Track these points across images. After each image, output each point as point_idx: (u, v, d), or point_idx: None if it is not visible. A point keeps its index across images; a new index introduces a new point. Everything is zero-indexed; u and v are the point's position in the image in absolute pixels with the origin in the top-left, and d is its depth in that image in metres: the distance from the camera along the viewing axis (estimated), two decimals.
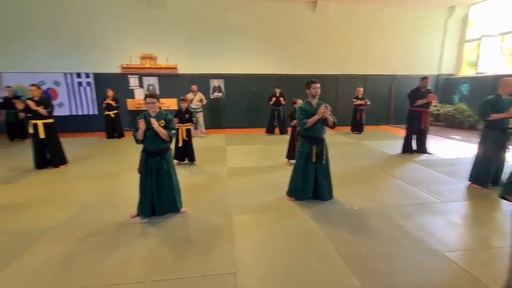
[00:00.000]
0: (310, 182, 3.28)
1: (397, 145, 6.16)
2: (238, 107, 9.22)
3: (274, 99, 7.77)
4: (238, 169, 4.74)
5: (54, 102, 8.13)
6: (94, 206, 3.33)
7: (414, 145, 5.74)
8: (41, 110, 4.53)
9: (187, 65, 8.76)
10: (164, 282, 1.99)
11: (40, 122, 4.61)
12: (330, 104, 3.30)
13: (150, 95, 2.81)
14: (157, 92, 8.76)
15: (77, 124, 8.57)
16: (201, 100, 7.52)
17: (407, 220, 2.92)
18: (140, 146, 2.95)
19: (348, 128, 8.36)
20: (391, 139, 7.34)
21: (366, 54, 9.68)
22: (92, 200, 3.48)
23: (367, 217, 3.00)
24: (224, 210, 3.15)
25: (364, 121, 8.24)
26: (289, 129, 5.76)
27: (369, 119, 8.85)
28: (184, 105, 5.00)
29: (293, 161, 3.98)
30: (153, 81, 8.80)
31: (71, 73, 8.38)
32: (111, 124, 7.56)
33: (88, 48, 8.29)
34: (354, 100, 8.17)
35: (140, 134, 2.76)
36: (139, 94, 8.76)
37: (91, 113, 8.69)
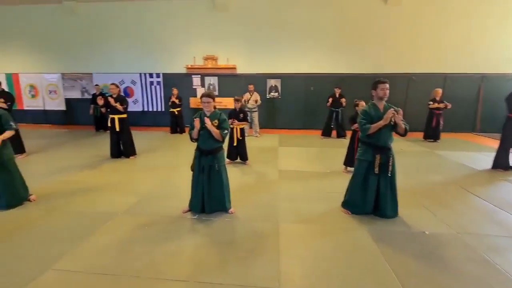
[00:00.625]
0: (371, 195, 2.90)
1: (486, 159, 5.11)
2: (294, 108, 8.97)
3: (330, 100, 7.28)
4: (289, 173, 4.55)
5: (130, 99, 9.28)
6: (153, 196, 3.58)
7: (511, 160, 4.66)
8: (118, 106, 5.12)
9: (245, 65, 8.91)
10: (206, 285, 1.96)
11: (116, 117, 5.23)
12: (399, 107, 2.86)
13: (206, 94, 2.85)
14: (216, 91, 9.17)
15: (148, 119, 9.56)
16: (256, 101, 7.53)
17: (498, 256, 2.32)
18: (195, 144, 3.03)
19: (420, 135, 7.32)
20: (477, 151, 6.14)
21: (445, 49, 8.32)
22: (152, 190, 3.76)
23: (442, 245, 2.48)
24: (272, 215, 3.02)
25: (442, 128, 7.10)
26: (349, 133, 5.30)
27: (448, 125, 7.60)
28: (237, 105, 5.03)
29: (351, 169, 3.61)
30: (213, 80, 9.22)
31: (145, 73, 9.38)
32: (175, 120, 8.19)
33: (160, 51, 9.13)
34: (430, 103, 7.10)
35: (195, 133, 2.83)
36: (201, 93, 9.28)
37: (159, 109, 9.58)
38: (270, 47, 8.77)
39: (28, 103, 9.93)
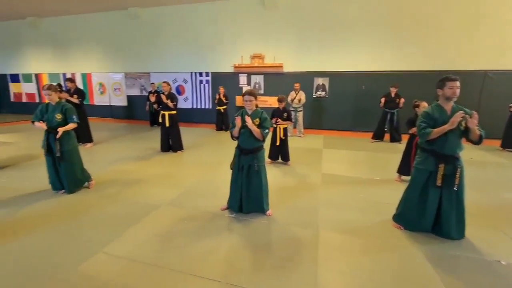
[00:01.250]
0: (430, 211, 2.50)
1: None
2: (342, 108, 8.45)
3: (383, 100, 6.63)
4: (334, 177, 4.26)
5: (181, 97, 9.84)
6: (195, 190, 3.68)
7: None
8: (169, 103, 5.43)
9: (292, 63, 8.70)
10: None
11: (167, 113, 5.56)
12: (471, 109, 2.40)
13: (248, 92, 2.79)
14: (262, 90, 9.16)
15: (196, 116, 10.03)
16: (299, 100, 7.28)
17: None
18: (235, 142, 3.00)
19: (497, 143, 6.22)
20: None
21: None
22: (194, 185, 3.87)
23: None
24: (312, 222, 2.83)
25: None
26: (405, 137, 4.76)
27: None
28: (281, 105, 4.88)
29: (407, 178, 3.20)
30: (259, 79, 9.22)
31: (195, 72, 9.84)
32: (220, 118, 8.43)
33: (210, 51, 9.48)
34: None
35: (236, 131, 2.80)
36: None
37: (207, 107, 9.98)
38: (319, 45, 8.40)
39: (97, 99, 11.28)
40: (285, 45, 8.69)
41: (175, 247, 2.38)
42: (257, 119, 2.80)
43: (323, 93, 8.54)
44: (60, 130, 3.25)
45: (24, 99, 12.48)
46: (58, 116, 3.27)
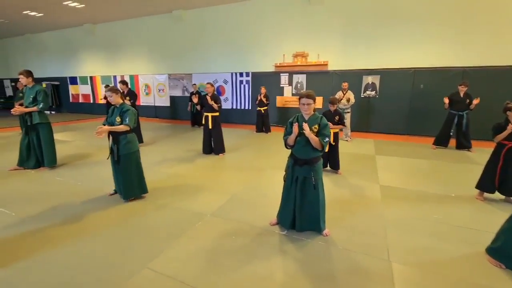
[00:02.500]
0: None
1: None
2: (394, 108, 7.63)
3: (447, 100, 5.70)
4: (395, 190, 3.71)
5: (222, 98, 9.79)
6: (241, 199, 3.44)
7: None
8: (214, 104, 5.30)
9: (338, 60, 8.10)
10: None
11: (210, 115, 5.45)
12: None
13: (305, 94, 2.44)
14: (304, 90, 8.70)
15: (236, 117, 9.94)
16: (348, 100, 6.68)
17: None
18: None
19: None
20: None
21: None
22: (239, 192, 3.64)
23: None
24: (378, 248, 2.39)
25: None
26: (478, 144, 3.99)
27: None
28: (333, 108, 4.41)
29: (491, 196, 2.58)
30: (301, 78, 8.77)
31: (235, 73, 9.74)
32: (261, 119, 8.17)
33: (251, 50, 9.28)
34: None
35: (291, 139, 2.46)
36: (288, 91, 9.01)
37: (246, 108, 9.82)
38: (369, 40, 7.68)
39: (143, 100, 11.83)
40: (331, 41, 8.11)
41: (222, 268, 2.14)
42: (316, 126, 2.44)
43: (373, 92, 7.79)
44: (105, 128, 3.11)
45: (80, 100, 13.63)
46: (118, 119, 3.21)
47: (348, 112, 6.83)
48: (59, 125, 9.70)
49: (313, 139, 2.36)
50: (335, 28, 8.03)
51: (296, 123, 2.41)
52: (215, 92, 5.63)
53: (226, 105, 9.88)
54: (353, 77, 7.76)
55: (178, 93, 10.95)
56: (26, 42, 14.33)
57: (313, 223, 2.59)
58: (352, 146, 6.34)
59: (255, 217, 2.95)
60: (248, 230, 2.70)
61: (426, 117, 7.22)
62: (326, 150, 4.16)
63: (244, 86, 9.72)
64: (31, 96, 4.46)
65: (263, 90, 7.98)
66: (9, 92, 15.39)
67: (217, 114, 5.50)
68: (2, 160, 5.12)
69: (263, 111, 8.06)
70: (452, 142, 6.01)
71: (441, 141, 6.00)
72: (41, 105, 4.44)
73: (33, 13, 10.07)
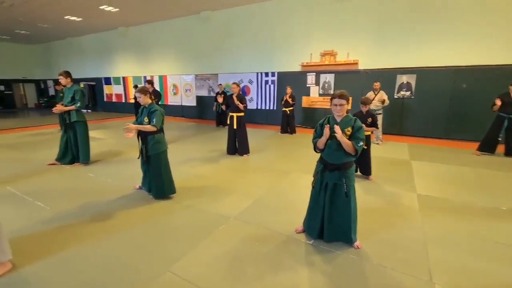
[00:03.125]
0: None
1: None
2: (432, 110, 7.06)
3: (499, 101, 5.12)
4: (435, 201, 3.37)
5: (247, 98, 9.75)
6: (265, 203, 3.33)
7: None
8: (240, 105, 5.24)
9: (369, 59, 7.68)
10: None
11: (235, 115, 5.40)
12: None
13: (338, 95, 2.26)
14: (331, 90, 8.38)
15: (260, 117, 9.85)
16: (383, 101, 6.28)
17: None
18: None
19: None
20: None
21: None
22: (264, 196, 3.52)
23: None
24: (419, 267, 2.14)
25: None
26: None
27: None
28: (365, 109, 4.12)
29: None
30: (329, 78, 8.46)
31: (261, 73, 9.65)
32: (286, 119, 8.00)
33: (277, 50, 9.13)
34: None
35: (321, 143, 2.30)
36: (314, 91, 8.73)
37: (271, 108, 9.69)
38: (404, 37, 7.18)
39: (171, 99, 12.17)
40: (362, 39, 7.72)
41: (245, 277, 2.03)
42: (349, 128, 2.25)
43: (408, 92, 7.28)
44: (133, 126, 3.13)
45: (113, 99, 14.37)
46: (146, 119, 3.27)
47: (380, 114, 6.43)
48: (94, 123, 10.26)
49: (346, 143, 2.18)
50: (366, 25, 7.62)
51: (327, 125, 2.23)
52: (241, 92, 5.57)
53: (251, 105, 9.82)
54: (386, 77, 7.31)
55: (204, 93, 11.10)
56: (67, 45, 15.42)
57: (343, 234, 2.40)
58: (384, 150, 5.95)
59: (280, 223, 2.81)
60: (272, 237, 2.58)
61: (468, 120, 6.59)
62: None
63: (270, 86, 9.60)
64: (70, 96, 4.71)
65: (288, 90, 7.79)
66: (51, 91, 16.64)
67: (242, 114, 5.44)
68: (43, 154, 5.48)
69: (288, 112, 7.88)
70: (500, 148, 5.41)
71: (487, 147, 5.41)
72: (78, 104, 4.68)
73: (73, 18, 10.77)
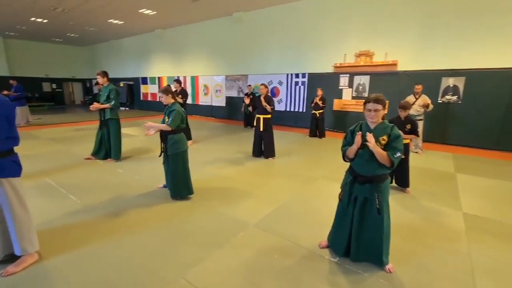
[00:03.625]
0: None
1: None
2: (484, 117, 6.28)
3: None
4: (485, 222, 2.93)
5: (276, 99, 9.60)
6: (288, 211, 3.15)
7: None
8: (268, 106, 5.12)
9: (410, 60, 7.08)
10: None
11: (262, 117, 5.27)
12: None
13: (374, 98, 2.02)
14: (366, 92, 7.89)
15: (288, 119, 9.62)
16: (426, 106, 5.72)
17: None
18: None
19: None
20: None
21: None
22: (287, 203, 3.35)
23: None
24: None
25: None
26: None
27: None
28: (404, 114, 3.73)
29: None
30: (364, 80, 7.97)
31: (291, 74, 9.42)
32: (315, 122, 7.69)
33: (309, 50, 8.84)
34: None
35: (352, 151, 2.07)
36: (347, 94, 8.30)
37: (300, 110, 9.41)
38: (451, 35, 6.49)
39: (202, 100, 12.43)
40: (403, 38, 7.14)
41: None
42: (384, 137, 1.99)
43: (454, 97, 6.57)
44: (150, 124, 3.16)
45: (149, 98, 15.08)
46: (166, 119, 3.31)
47: (421, 120, 5.88)
48: (129, 120, 10.83)
49: (380, 153, 1.93)
50: (408, 23, 7.03)
51: (359, 132, 2.00)
52: (269, 94, 5.43)
53: (279, 107, 9.64)
54: (429, 79, 6.67)
55: (233, 93, 11.15)
56: (109, 47, 16.54)
57: (373, 254, 2.14)
58: (424, 160, 5.41)
59: (303, 235, 2.62)
60: (293, 249, 2.39)
61: None
62: None
63: (300, 87, 9.33)
64: (105, 94, 4.95)
65: (319, 92, 7.48)
66: (95, 90, 17.98)
67: (269, 116, 5.30)
68: (82, 148, 5.84)
69: (318, 115, 7.57)
70: None
71: None
72: (112, 102, 4.90)
73: (116, 21, 11.48)
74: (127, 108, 15.62)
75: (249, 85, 9.48)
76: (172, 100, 3.37)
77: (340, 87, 8.39)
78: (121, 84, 15.79)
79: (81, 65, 18.60)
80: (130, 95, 15.91)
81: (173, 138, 3.27)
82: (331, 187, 3.89)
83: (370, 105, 2.01)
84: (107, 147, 5.08)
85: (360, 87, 8.03)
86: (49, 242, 2.42)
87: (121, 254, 2.30)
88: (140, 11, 9.92)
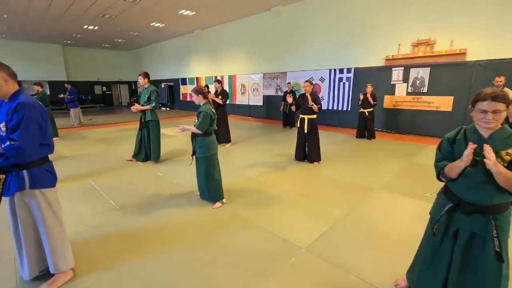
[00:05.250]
0: None
1: None
2: None
3: None
4: None
5: None
6: (345, 231, 2.64)
7: None
8: (314, 105, 4.60)
9: (484, 48, 5.95)
10: None
11: (306, 117, 4.77)
12: None
13: (492, 95, 1.38)
14: (425, 87, 6.88)
15: (331, 118, 8.92)
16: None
17: None
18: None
19: None
20: None
21: None
22: (342, 221, 2.83)
23: None
24: None
25: None
26: None
27: None
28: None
29: None
30: (422, 73, 6.95)
31: (334, 69, 8.68)
32: (364, 122, 6.91)
33: (355, 43, 8.03)
34: None
35: (455, 169, 1.47)
36: (401, 89, 7.35)
37: (344, 109, 8.65)
38: None
39: (239, 99, 12.24)
40: (473, 23, 6.02)
41: None
42: (510, 150, 1.39)
43: None
44: (185, 127, 3.10)
45: (188, 98, 15.39)
46: (195, 120, 3.10)
47: None
48: (169, 120, 11.05)
49: (504, 174, 1.33)
50: (480, 5, 5.90)
51: (472, 144, 1.40)
52: (314, 90, 4.89)
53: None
54: (509, 70, 5.51)
55: (271, 92, 10.74)
56: (151, 50, 17.26)
57: None
58: None
59: (369, 266, 2.10)
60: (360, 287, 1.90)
61: None
62: None
63: (344, 84, 8.56)
64: (146, 96, 4.88)
65: (369, 88, 6.68)
66: (140, 91, 19.00)
67: (314, 116, 4.77)
68: (125, 149, 5.94)
69: (367, 113, 6.78)
70: None
71: None
72: (153, 104, 4.82)
73: (157, 24, 11.80)
74: (167, 109, 16.16)
75: (289, 83, 8.97)
76: (204, 101, 3.19)
77: (392, 82, 7.47)
78: (163, 85, 16.37)
79: (127, 68, 19.76)
80: (170, 95, 16.44)
81: (201, 141, 3.11)
82: (392, 201, 3.27)
83: (486, 104, 1.40)
84: (147, 149, 5.03)
85: (418, 81, 7.04)
86: (85, 256, 2.25)
87: (150, 273, 2.02)
88: (180, 12, 10.00)
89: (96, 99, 18.29)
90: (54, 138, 7.33)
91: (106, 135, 8.08)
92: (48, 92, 13.57)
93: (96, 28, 12.12)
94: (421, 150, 5.76)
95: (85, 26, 11.82)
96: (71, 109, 9.69)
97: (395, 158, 5.16)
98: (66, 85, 9.74)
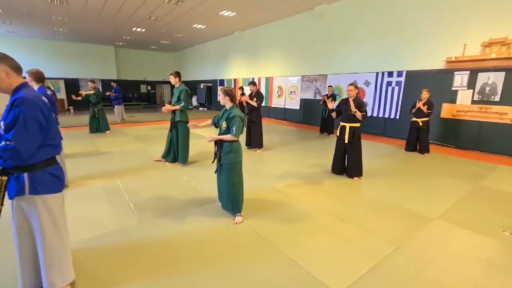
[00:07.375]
0: None
1: None
2: None
3: None
4: None
5: None
6: (395, 272, 2.07)
7: None
8: (358, 113, 4.02)
9: None
10: None
11: (348, 125, 4.19)
12: None
13: None
14: (497, 95, 5.76)
15: (375, 127, 8.06)
16: None
17: None
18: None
19: None
20: None
21: None
22: (391, 257, 2.26)
23: None
24: None
25: None
26: None
27: None
28: None
29: None
30: (494, 78, 5.83)
31: (382, 72, 7.83)
32: (416, 133, 6.00)
33: (409, 43, 7.12)
34: None
35: None
36: (464, 97, 6.28)
37: (391, 116, 7.73)
38: None
39: (275, 102, 11.85)
40: None
41: None
42: None
43: None
44: (214, 137, 2.88)
45: None
46: (224, 124, 2.81)
47: None
48: (203, 121, 11.07)
49: None
50: None
51: None
52: (359, 96, 4.28)
53: None
54: None
55: (309, 95, 10.15)
56: (194, 52, 17.75)
57: None
58: None
59: None
60: None
61: None
62: None
63: (393, 88, 7.66)
64: (177, 95, 4.76)
65: (425, 94, 5.78)
66: None
67: (358, 125, 4.17)
68: (157, 149, 5.90)
69: (421, 123, 5.87)
70: None
71: None
72: (182, 104, 4.67)
73: (199, 26, 11.99)
74: (205, 109, 16.43)
75: (330, 86, 8.32)
76: (230, 104, 2.89)
77: (453, 88, 6.43)
78: (201, 86, 16.71)
79: (171, 69, 20.44)
80: (208, 96, 16.71)
81: (230, 146, 2.81)
82: (460, 239, 2.57)
83: None
84: (175, 150, 4.89)
85: (488, 88, 5.93)
86: (88, 270, 2.05)
87: None
88: (221, 13, 9.97)
89: (141, 97, 19.41)
90: (106, 132, 7.88)
91: (144, 132, 8.30)
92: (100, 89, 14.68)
93: (143, 30, 12.74)
94: (491, 171, 4.75)
95: (134, 28, 12.49)
96: (115, 106, 10.24)
97: (456, 179, 4.30)
98: (112, 83, 10.32)
